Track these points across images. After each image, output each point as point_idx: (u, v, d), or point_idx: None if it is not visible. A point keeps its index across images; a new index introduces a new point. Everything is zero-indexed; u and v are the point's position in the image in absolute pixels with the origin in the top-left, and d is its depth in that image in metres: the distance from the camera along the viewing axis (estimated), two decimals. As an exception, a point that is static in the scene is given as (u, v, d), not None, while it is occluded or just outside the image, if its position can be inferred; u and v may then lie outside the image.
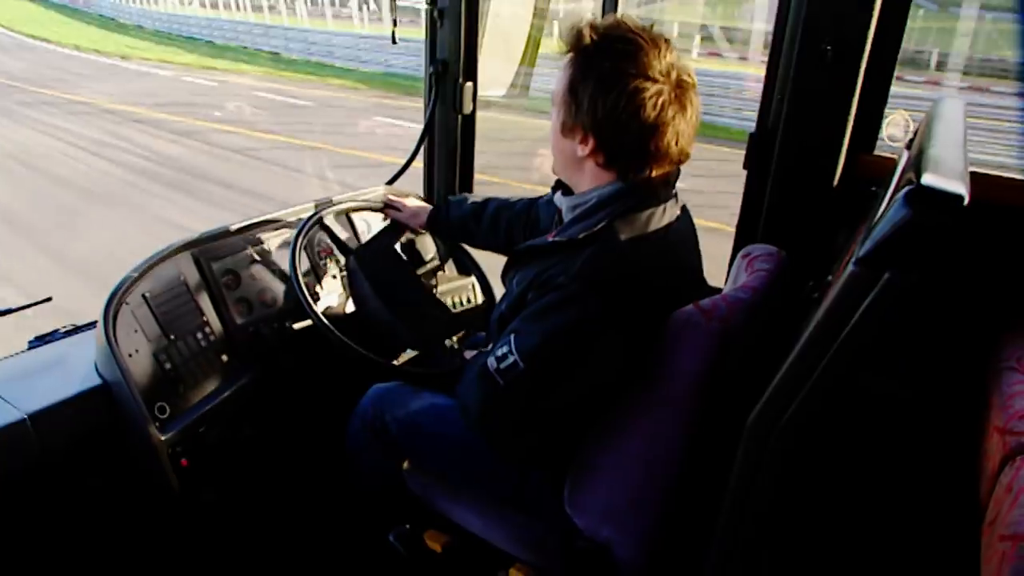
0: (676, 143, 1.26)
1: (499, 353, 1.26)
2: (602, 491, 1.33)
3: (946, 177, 0.75)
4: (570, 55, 1.28)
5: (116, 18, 29.46)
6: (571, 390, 1.27)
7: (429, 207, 1.94)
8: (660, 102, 1.22)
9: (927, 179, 0.74)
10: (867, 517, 1.56)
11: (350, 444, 1.66)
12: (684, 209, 1.42)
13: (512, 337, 1.25)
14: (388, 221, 2.01)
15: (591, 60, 1.24)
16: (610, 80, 1.22)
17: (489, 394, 1.27)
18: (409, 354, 1.85)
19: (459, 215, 1.86)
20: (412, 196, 2.07)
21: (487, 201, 1.83)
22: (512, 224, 1.76)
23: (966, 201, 0.71)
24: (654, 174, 1.29)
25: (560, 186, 1.44)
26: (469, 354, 1.52)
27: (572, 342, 1.22)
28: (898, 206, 0.74)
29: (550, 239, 1.34)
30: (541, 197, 1.73)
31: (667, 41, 1.24)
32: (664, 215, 1.32)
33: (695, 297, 1.25)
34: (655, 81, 1.21)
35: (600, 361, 1.25)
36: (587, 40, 1.24)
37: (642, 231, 1.27)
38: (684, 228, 1.39)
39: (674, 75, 1.23)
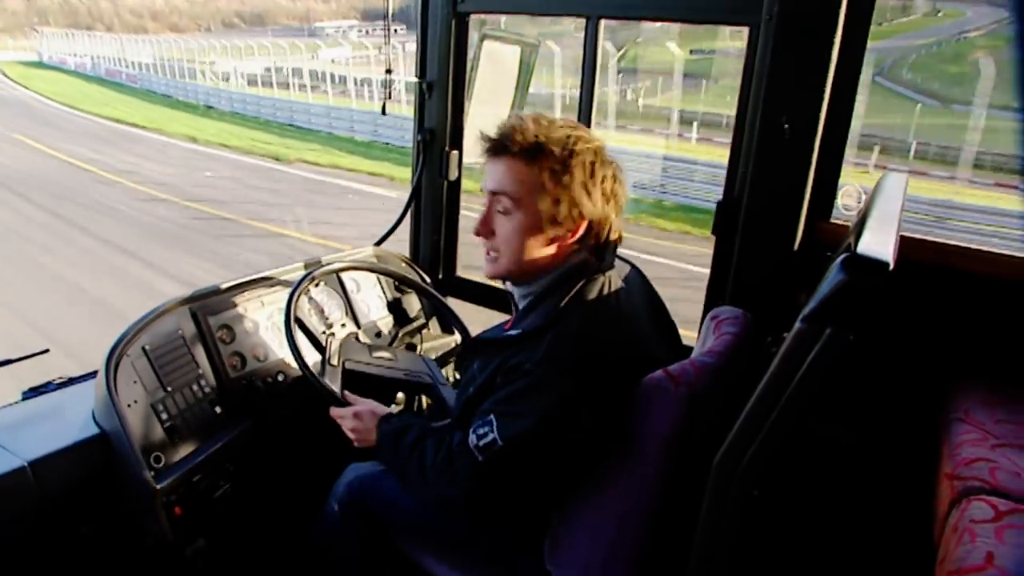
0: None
1: (479, 432, 1.28)
2: (580, 547, 1.37)
3: (877, 245, 0.86)
4: (520, 157, 1.31)
5: (173, 95, 28.97)
6: (548, 461, 1.31)
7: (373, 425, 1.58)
8: (619, 174, 1.36)
9: (860, 247, 0.85)
10: (828, 555, 1.63)
11: (327, 525, 1.65)
12: (638, 274, 1.50)
13: (493, 419, 1.27)
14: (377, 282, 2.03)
15: (566, 147, 1.30)
16: (593, 159, 1.32)
17: (470, 470, 1.29)
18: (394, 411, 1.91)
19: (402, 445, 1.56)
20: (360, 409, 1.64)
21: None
22: None
23: (891, 266, 0.82)
24: (616, 233, 1.39)
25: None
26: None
27: (551, 423, 1.25)
28: (836, 270, 0.85)
29: (511, 333, 1.38)
30: None
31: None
32: (610, 285, 1.38)
33: (661, 360, 1.31)
34: (601, 157, 1.35)
35: (578, 434, 1.29)
36: (528, 140, 1.30)
37: (594, 308, 1.34)
38: (637, 293, 1.46)
39: (603, 151, 1.37)
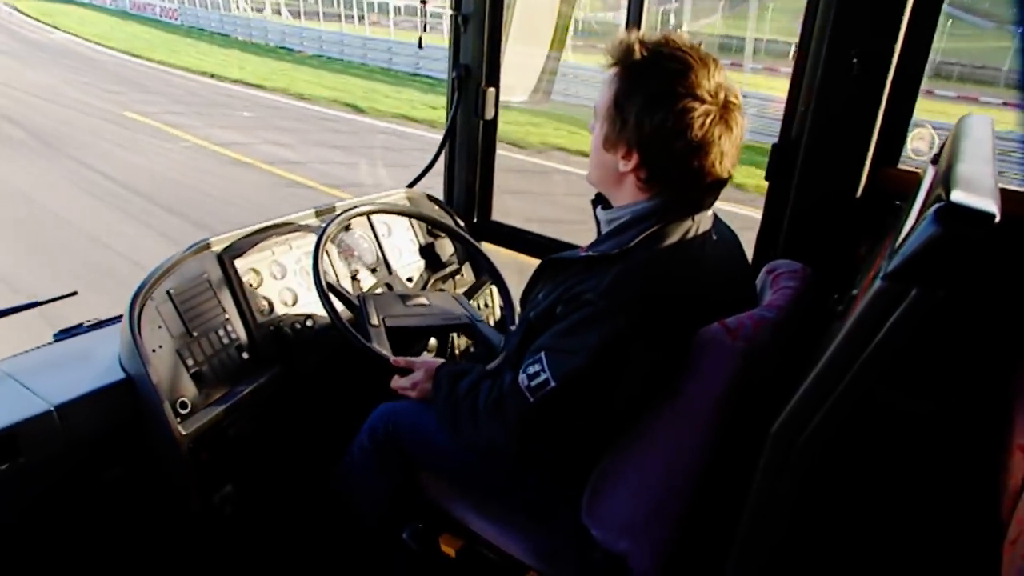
0: (720, 163, 1.24)
1: (530, 371, 1.24)
2: (621, 503, 1.32)
3: (976, 194, 0.75)
4: (616, 69, 1.26)
5: (231, 34, 24.24)
6: (601, 405, 1.26)
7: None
8: (707, 122, 1.20)
9: (957, 196, 0.74)
10: (888, 531, 1.55)
11: (355, 462, 1.64)
12: (723, 225, 1.41)
13: (543, 356, 1.23)
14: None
15: (639, 76, 1.23)
16: (659, 98, 1.20)
17: (521, 412, 1.26)
18: (426, 356, 1.87)
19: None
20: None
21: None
22: None
23: (997, 218, 0.71)
24: (694, 193, 1.28)
25: (599, 199, 1.42)
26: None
27: (603, 360, 1.20)
28: (928, 222, 0.74)
29: (582, 253, 1.32)
30: None
31: (716, 60, 1.23)
32: (697, 231, 1.30)
33: (731, 311, 1.23)
34: (703, 101, 1.20)
35: (630, 376, 1.24)
36: (637, 55, 1.22)
37: (673, 248, 1.26)
38: (722, 244, 1.38)
39: (721, 95, 1.22)
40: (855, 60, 1.49)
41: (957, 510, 1.46)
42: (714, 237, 1.35)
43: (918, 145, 1.63)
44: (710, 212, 1.34)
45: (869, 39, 1.48)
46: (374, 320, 1.73)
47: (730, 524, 1.10)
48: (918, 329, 0.81)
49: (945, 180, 0.84)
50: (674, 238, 1.27)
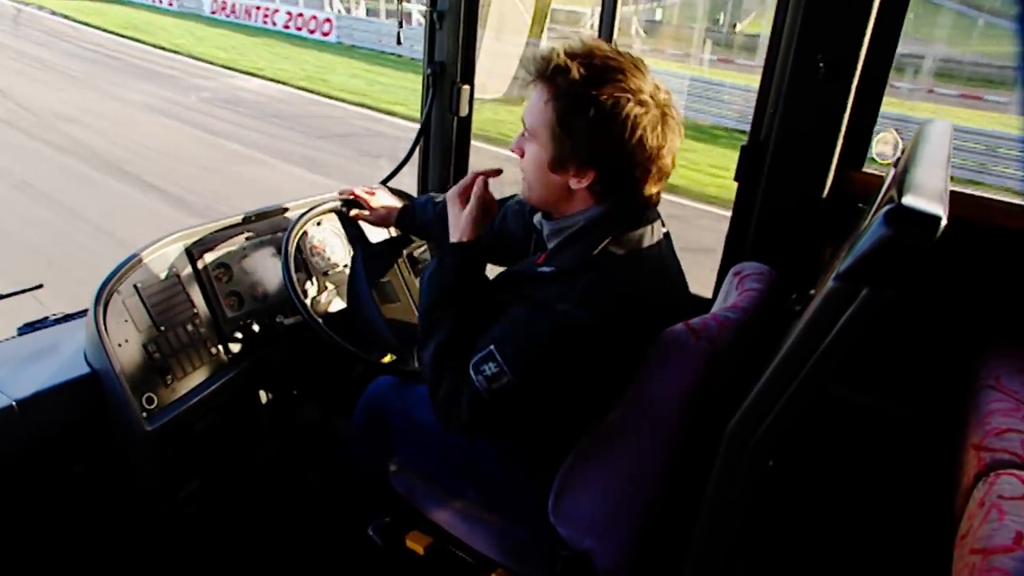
0: (671, 160, 1.25)
1: (482, 365, 1.23)
2: (585, 502, 1.33)
3: (926, 198, 0.76)
4: (547, 87, 1.22)
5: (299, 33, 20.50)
6: (562, 403, 1.27)
7: (397, 205, 1.93)
8: (658, 126, 1.20)
9: (907, 199, 0.76)
10: (842, 527, 1.58)
11: (352, 431, 1.67)
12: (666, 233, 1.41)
13: (507, 352, 1.21)
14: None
15: (582, 93, 1.18)
16: (608, 112, 1.17)
17: (476, 409, 1.25)
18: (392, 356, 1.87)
19: (424, 217, 1.83)
20: (381, 190, 2.03)
21: None
22: None
23: (943, 222, 0.73)
24: (647, 193, 1.27)
25: (534, 209, 1.41)
26: None
27: (570, 365, 1.21)
28: (878, 224, 0.75)
29: (546, 270, 1.29)
30: (507, 200, 1.67)
31: (641, 61, 1.23)
32: (654, 234, 1.31)
33: (686, 315, 1.24)
34: (646, 105, 1.19)
35: (594, 380, 1.24)
36: (574, 73, 1.18)
37: (636, 254, 1.26)
38: (668, 246, 1.38)
39: (660, 95, 1.21)
40: (821, 64, 1.51)
41: (912, 507, 1.49)
42: (666, 247, 1.35)
43: (882, 149, 1.66)
44: (660, 222, 1.35)
45: (835, 44, 1.50)
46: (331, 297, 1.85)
47: (690, 524, 1.11)
48: (871, 328, 0.82)
49: (899, 184, 0.86)
50: (634, 243, 1.27)
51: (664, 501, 1.30)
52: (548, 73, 1.21)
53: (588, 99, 1.18)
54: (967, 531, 1.03)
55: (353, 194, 1.95)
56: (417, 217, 1.84)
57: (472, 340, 1.28)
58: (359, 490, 1.67)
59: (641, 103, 1.18)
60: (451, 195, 1.46)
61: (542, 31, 2.50)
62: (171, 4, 25.04)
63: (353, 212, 1.94)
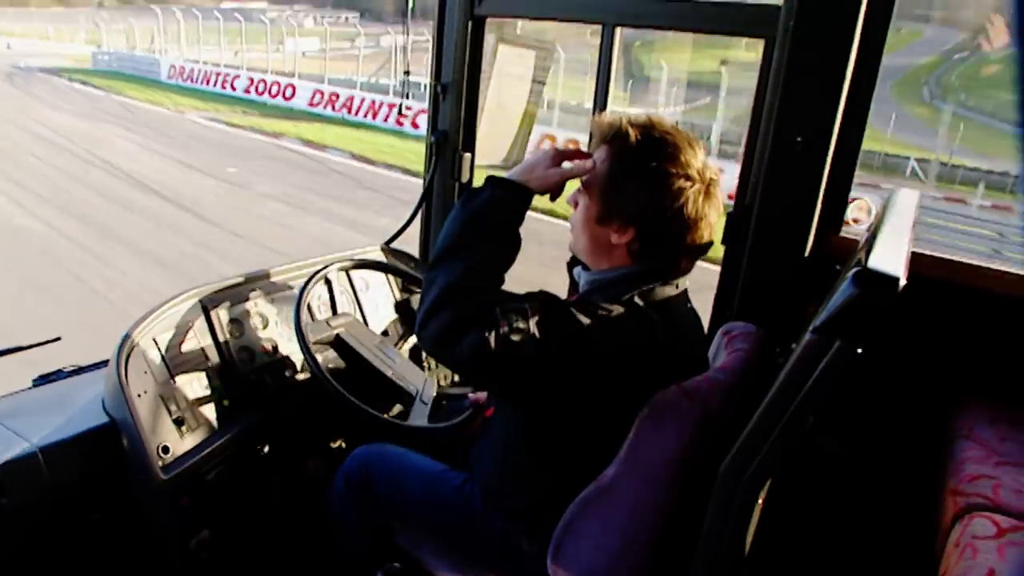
0: (708, 234, 1.35)
1: (513, 323, 1.23)
2: (584, 555, 1.36)
3: (888, 260, 0.87)
4: (606, 147, 1.34)
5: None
6: (557, 403, 1.32)
7: None
8: (699, 200, 1.31)
9: (872, 262, 0.86)
10: (830, 568, 1.63)
11: (333, 503, 1.67)
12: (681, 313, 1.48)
13: (544, 320, 1.24)
14: None
15: (635, 156, 1.30)
16: (655, 178, 1.29)
17: (480, 346, 1.22)
18: (399, 409, 1.93)
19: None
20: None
21: None
22: None
23: (902, 283, 0.83)
24: (681, 261, 1.37)
25: (575, 260, 1.50)
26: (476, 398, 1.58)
27: (586, 371, 1.26)
28: (847, 284, 0.86)
29: (571, 299, 1.39)
30: None
31: (697, 140, 1.35)
32: (674, 306, 1.39)
33: (694, 371, 1.32)
34: (693, 180, 1.30)
35: (595, 403, 1.30)
36: (632, 138, 1.30)
37: (659, 307, 1.34)
38: (688, 307, 1.46)
39: (707, 173, 1.33)
40: (799, 139, 1.64)
41: (895, 548, 1.55)
42: (688, 302, 1.44)
43: (858, 215, 1.78)
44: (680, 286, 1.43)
45: (811, 120, 1.63)
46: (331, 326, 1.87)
47: (686, 571, 1.17)
48: (848, 377, 0.91)
49: (867, 248, 0.97)
50: (658, 299, 1.35)
51: (662, 553, 1.35)
52: (610, 136, 1.34)
53: (640, 164, 1.30)
54: (945, 570, 1.11)
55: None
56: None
57: (490, 283, 1.31)
58: (358, 549, 1.68)
59: (688, 177, 1.30)
60: (550, 148, 1.43)
61: (535, 116, 2.64)
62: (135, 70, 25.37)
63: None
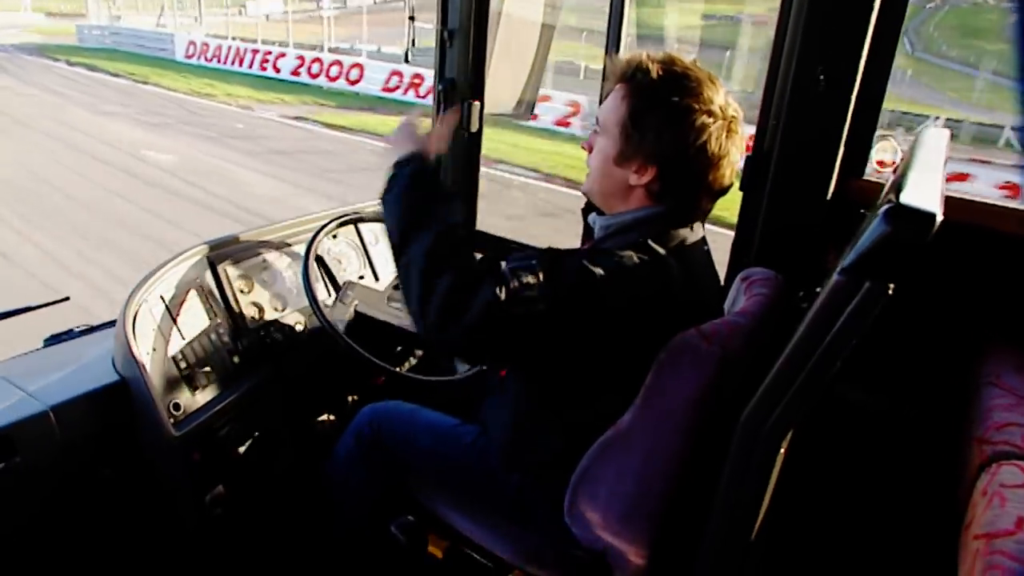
0: (729, 174, 1.31)
1: (523, 279, 1.19)
2: (599, 503, 1.36)
3: (922, 198, 0.82)
4: (625, 86, 1.30)
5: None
6: (569, 360, 1.28)
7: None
8: (722, 136, 1.27)
9: (905, 198, 0.81)
10: (853, 520, 1.61)
11: (342, 460, 1.65)
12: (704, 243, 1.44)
13: (553, 274, 1.21)
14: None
15: (656, 92, 1.26)
16: (678, 114, 1.25)
17: (490, 307, 1.18)
18: (412, 363, 1.92)
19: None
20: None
21: None
22: None
23: (939, 219, 0.78)
24: (702, 202, 1.34)
25: (590, 207, 1.46)
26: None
27: (598, 323, 1.22)
28: (878, 222, 0.81)
29: (584, 249, 1.36)
30: None
31: (716, 77, 1.30)
32: (695, 238, 1.36)
33: (710, 316, 1.28)
34: (715, 116, 1.26)
35: (610, 354, 1.27)
36: (653, 73, 1.27)
37: (674, 251, 1.30)
38: (705, 251, 1.42)
39: (729, 110, 1.28)
40: (822, 77, 1.57)
41: (918, 499, 1.53)
42: (705, 246, 1.40)
43: (882, 157, 1.71)
44: (703, 227, 1.39)
45: (834, 58, 1.55)
46: (346, 301, 1.82)
47: (704, 521, 1.15)
48: (875, 323, 0.87)
49: (897, 186, 0.91)
50: (675, 242, 1.31)
51: (678, 500, 1.33)
52: (629, 72, 1.29)
53: (661, 100, 1.26)
54: (971, 519, 1.07)
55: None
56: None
57: (464, 239, 1.28)
58: (376, 494, 1.68)
59: (710, 113, 1.26)
60: (402, 120, 1.47)
61: (545, 62, 2.57)
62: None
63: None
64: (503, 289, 1.18)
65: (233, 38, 20.74)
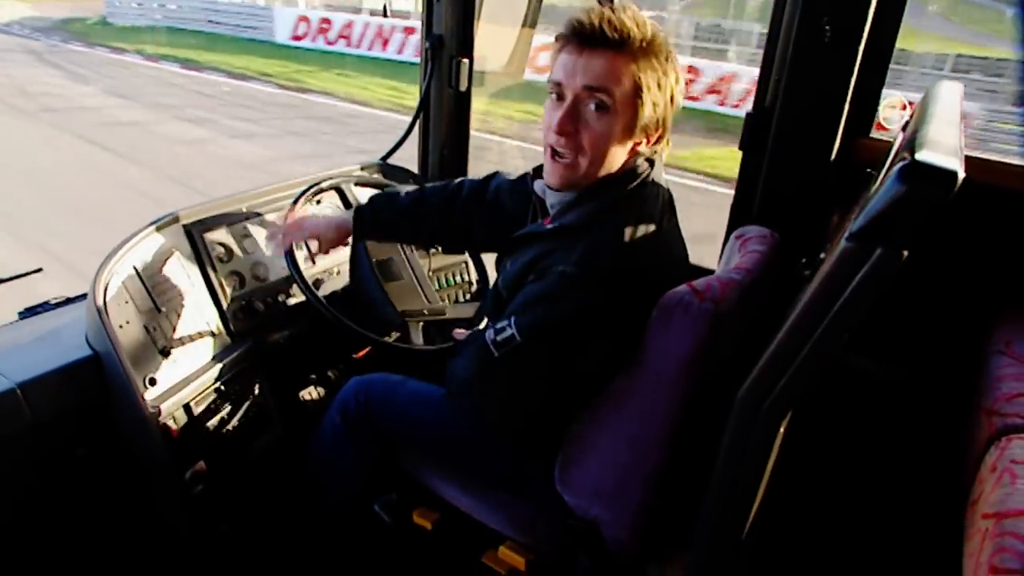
0: None
1: (498, 326, 1.28)
2: (592, 470, 1.34)
3: (941, 153, 0.74)
4: (616, 53, 1.22)
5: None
6: (563, 369, 1.29)
7: (344, 217, 1.72)
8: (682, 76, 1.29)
9: (922, 156, 0.74)
10: (854, 494, 1.58)
11: (327, 435, 1.62)
12: (669, 194, 1.42)
13: (513, 318, 1.26)
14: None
15: (659, 55, 1.24)
16: (676, 73, 1.27)
17: (483, 363, 1.30)
18: (398, 333, 1.86)
19: (393, 210, 1.69)
20: (312, 211, 1.81)
21: (420, 191, 1.69)
22: (468, 210, 1.65)
23: (960, 177, 0.71)
24: (663, 151, 1.35)
25: (537, 174, 1.43)
26: (460, 333, 1.51)
27: (571, 326, 1.23)
28: (892, 181, 0.74)
29: (548, 226, 1.34)
30: (492, 178, 1.66)
31: None
32: (657, 197, 1.33)
33: (686, 279, 1.24)
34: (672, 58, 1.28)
35: (595, 345, 1.26)
36: (656, 40, 1.23)
37: (638, 218, 1.27)
38: (670, 210, 1.40)
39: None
40: (827, 28, 1.49)
41: (922, 472, 1.49)
42: (668, 195, 1.39)
43: (889, 114, 1.64)
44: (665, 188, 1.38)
45: (841, 8, 1.47)
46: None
47: (699, 488, 1.10)
48: (885, 292, 0.81)
49: (910, 142, 0.84)
50: (640, 203, 1.29)
51: (671, 466, 1.30)
52: (632, 39, 1.22)
53: (668, 63, 1.26)
54: (979, 496, 1.03)
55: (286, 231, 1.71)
56: (382, 213, 1.70)
57: None
58: (363, 469, 1.65)
59: (669, 57, 1.27)
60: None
61: (536, 19, 2.47)
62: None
63: (287, 238, 1.71)
64: (490, 340, 1.29)
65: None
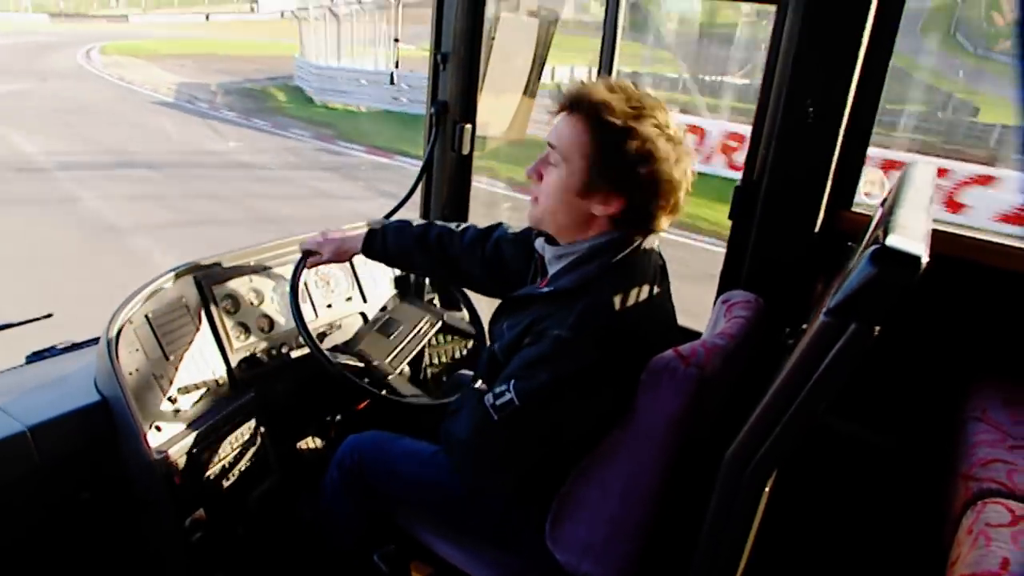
0: (684, 196, 1.33)
1: (497, 390, 1.30)
2: (582, 526, 1.36)
3: (909, 238, 0.82)
4: (582, 116, 1.29)
5: None
6: (560, 430, 1.32)
7: (359, 233, 1.84)
8: (682, 161, 1.29)
9: (891, 240, 0.81)
10: (838, 554, 1.60)
11: (327, 491, 1.65)
12: (662, 260, 1.47)
13: (512, 382, 1.28)
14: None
15: (623, 123, 1.26)
16: (645, 143, 1.26)
17: (481, 426, 1.31)
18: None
19: (399, 242, 1.77)
20: (330, 232, 1.90)
21: (428, 227, 1.77)
22: (466, 255, 1.72)
23: (924, 262, 0.78)
24: (659, 224, 1.35)
25: (540, 232, 1.47)
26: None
27: (567, 388, 1.26)
28: (864, 263, 0.80)
29: (543, 289, 1.38)
30: (495, 229, 1.72)
31: (663, 103, 1.32)
32: (649, 264, 1.37)
33: (675, 342, 1.29)
34: (673, 141, 1.28)
35: (590, 404, 1.30)
36: (617, 105, 1.27)
37: (631, 282, 1.32)
38: (662, 276, 1.44)
39: (680, 134, 1.31)
40: (811, 108, 1.58)
41: (903, 535, 1.52)
42: (661, 262, 1.43)
43: (870, 190, 1.73)
44: (656, 251, 1.42)
45: (824, 90, 1.57)
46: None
47: (687, 544, 1.14)
48: (863, 362, 0.87)
49: (884, 224, 0.91)
50: (633, 269, 1.34)
51: (660, 523, 1.33)
52: (587, 103, 1.28)
53: (629, 131, 1.26)
54: (957, 558, 1.07)
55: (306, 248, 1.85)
56: (390, 241, 1.78)
57: None
58: (361, 523, 1.67)
59: (669, 139, 1.28)
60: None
61: (536, 88, 2.59)
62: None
63: (310, 260, 1.84)
64: (489, 403, 1.30)
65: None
